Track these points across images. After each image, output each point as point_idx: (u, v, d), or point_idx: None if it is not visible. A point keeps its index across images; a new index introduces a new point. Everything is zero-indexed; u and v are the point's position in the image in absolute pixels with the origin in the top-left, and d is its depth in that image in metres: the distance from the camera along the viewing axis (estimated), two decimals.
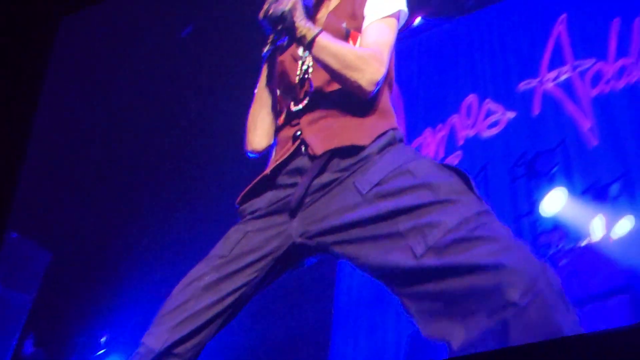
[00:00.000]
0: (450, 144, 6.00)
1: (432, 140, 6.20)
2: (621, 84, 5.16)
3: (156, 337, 1.91)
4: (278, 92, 2.19)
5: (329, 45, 1.97)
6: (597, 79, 5.40)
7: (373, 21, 2.06)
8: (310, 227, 1.92)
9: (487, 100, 5.84)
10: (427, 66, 6.46)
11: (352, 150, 1.93)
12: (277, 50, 2.17)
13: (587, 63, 5.45)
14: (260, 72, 2.21)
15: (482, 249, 1.63)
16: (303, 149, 1.98)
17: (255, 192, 2.06)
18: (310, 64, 2.11)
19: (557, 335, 1.59)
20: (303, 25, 1.98)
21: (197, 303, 1.92)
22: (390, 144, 1.96)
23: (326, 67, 1.98)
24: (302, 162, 1.96)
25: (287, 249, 1.97)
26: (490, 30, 6.32)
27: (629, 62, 5.24)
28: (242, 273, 1.96)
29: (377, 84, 1.96)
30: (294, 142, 2.01)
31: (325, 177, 1.93)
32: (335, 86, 2.05)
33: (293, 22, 1.98)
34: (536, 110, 5.56)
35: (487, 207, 1.77)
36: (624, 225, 4.27)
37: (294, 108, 2.07)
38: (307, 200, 1.94)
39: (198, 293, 1.95)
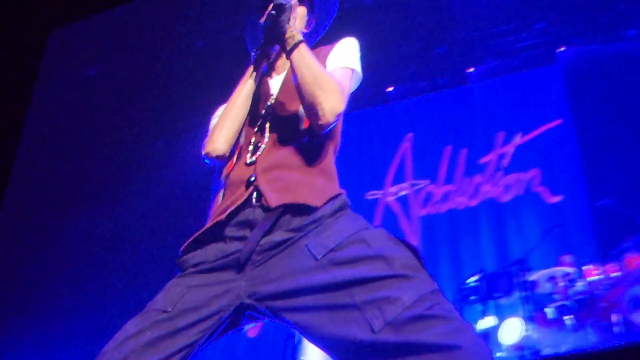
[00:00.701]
0: None
1: None
2: (444, 208, 6.25)
3: None
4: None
5: (308, 55, 2.05)
6: (427, 199, 6.33)
7: (336, 67, 2.16)
8: (260, 289, 1.87)
9: None
10: None
11: (305, 209, 1.93)
12: (264, 57, 2.25)
13: (422, 183, 6.43)
14: (244, 74, 2.25)
15: (438, 328, 1.66)
16: (255, 197, 1.96)
17: (199, 243, 1.99)
18: (273, 116, 2.16)
19: None
20: (294, 28, 2.10)
21: (149, 352, 1.83)
22: (342, 208, 1.97)
23: (299, 78, 2.02)
24: (253, 213, 1.93)
25: (234, 309, 1.90)
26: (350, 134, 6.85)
27: (453, 188, 6.36)
28: (186, 332, 1.88)
29: (336, 117, 2.01)
30: (247, 188, 1.98)
31: (277, 236, 1.90)
32: (293, 136, 2.07)
33: (288, 18, 2.09)
34: (377, 221, 6.39)
35: (437, 285, 1.79)
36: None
37: (251, 148, 2.08)
38: (257, 258, 1.89)
39: (138, 351, 1.84)
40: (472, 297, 5.60)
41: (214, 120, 2.29)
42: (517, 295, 5.25)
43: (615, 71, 5.75)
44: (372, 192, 6.61)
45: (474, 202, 6.25)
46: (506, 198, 6.14)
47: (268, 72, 2.28)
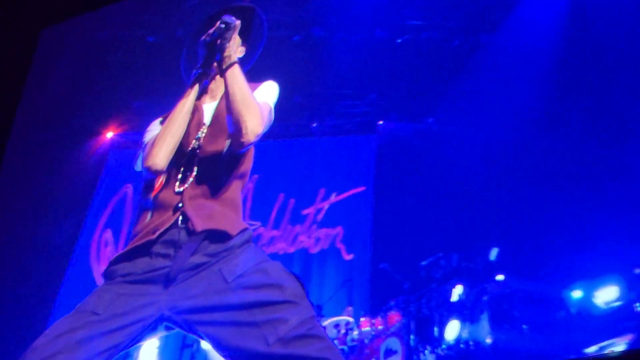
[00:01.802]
0: None
1: None
2: (268, 250, 6.79)
3: None
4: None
5: (241, 76, 2.29)
6: (256, 240, 7.10)
7: (260, 101, 2.37)
8: (179, 303, 2.10)
9: None
10: None
11: (222, 236, 2.17)
12: (203, 76, 2.40)
13: (255, 224, 6.98)
14: (185, 92, 2.40)
15: (315, 345, 2.02)
16: (180, 220, 2.15)
17: (128, 256, 2.17)
18: (202, 148, 2.31)
19: None
20: (232, 48, 2.32)
21: (70, 357, 1.98)
22: (248, 241, 2.25)
23: (230, 96, 2.23)
24: (178, 234, 2.14)
25: (156, 319, 2.12)
26: None
27: (278, 234, 7.00)
28: (113, 335, 2.05)
29: (256, 137, 2.25)
30: (174, 213, 2.18)
31: (197, 259, 2.14)
32: (217, 172, 2.27)
33: (231, 37, 2.30)
34: None
35: (314, 311, 2.14)
36: None
37: (180, 176, 2.26)
38: (179, 276, 2.11)
39: (70, 347, 1.99)
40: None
41: (149, 134, 2.46)
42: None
43: (415, 149, 6.63)
44: None
45: (291, 249, 6.89)
46: (315, 250, 6.80)
47: (204, 95, 2.46)
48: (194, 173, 2.29)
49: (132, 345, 2.15)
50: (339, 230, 6.76)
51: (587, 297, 3.92)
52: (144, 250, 2.18)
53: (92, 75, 7.16)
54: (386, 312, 5.40)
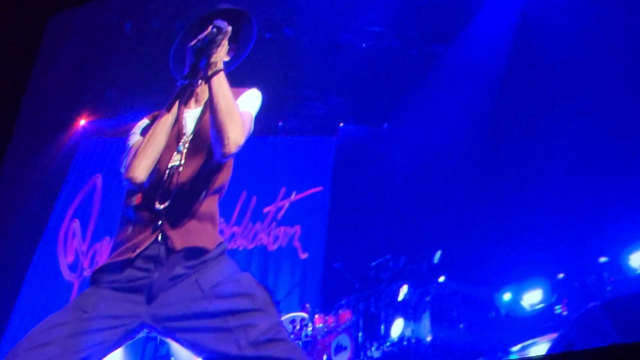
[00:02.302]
0: None
1: (105, 250, 7.47)
2: (229, 246, 6.61)
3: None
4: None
5: (225, 85, 2.34)
6: None
7: (242, 109, 2.40)
8: (159, 311, 2.29)
9: None
10: None
11: (199, 251, 2.34)
12: (188, 87, 2.43)
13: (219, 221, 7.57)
14: (170, 102, 2.42)
15: (282, 347, 2.24)
16: (160, 237, 2.30)
17: (112, 266, 2.35)
18: (182, 162, 2.38)
19: None
20: (220, 54, 2.34)
21: (59, 347, 2.18)
22: (222, 253, 2.41)
23: (214, 104, 2.29)
24: (158, 250, 2.30)
25: (137, 324, 2.31)
26: None
27: (239, 230, 7.18)
28: (99, 334, 2.25)
29: (237, 147, 2.32)
30: (154, 232, 2.31)
31: (176, 271, 2.31)
32: (196, 189, 2.37)
33: (220, 43, 2.34)
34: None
35: (279, 317, 2.35)
36: None
37: (160, 191, 2.34)
38: (158, 287, 2.30)
39: (61, 339, 2.18)
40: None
41: (133, 137, 2.54)
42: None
43: (370, 153, 6.88)
44: None
45: (250, 246, 7.09)
46: (273, 247, 7.01)
47: (188, 100, 2.50)
48: (174, 190, 2.38)
49: (116, 346, 2.32)
50: (296, 228, 6.98)
51: (516, 300, 4.21)
52: (127, 263, 2.34)
53: (67, 63, 7.18)
54: (338, 309, 5.65)
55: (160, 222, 2.34)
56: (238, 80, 2.56)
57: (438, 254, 5.11)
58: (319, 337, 5.73)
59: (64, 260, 8.26)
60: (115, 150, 8.37)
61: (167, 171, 2.40)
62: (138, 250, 2.32)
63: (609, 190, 3.79)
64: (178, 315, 2.31)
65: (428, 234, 5.55)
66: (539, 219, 4.14)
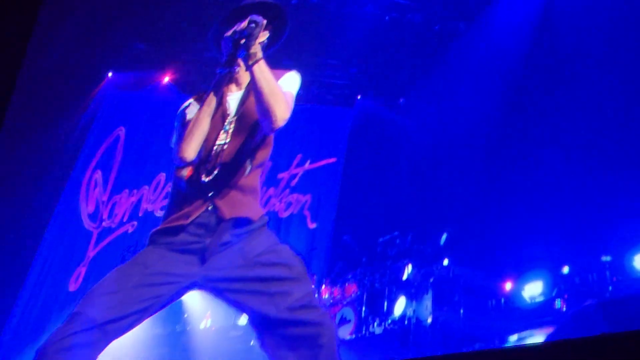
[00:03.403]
0: (134, 212, 7.28)
1: (124, 202, 7.50)
2: None
3: (97, 312, 2.47)
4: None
5: (267, 71, 2.56)
6: None
7: (285, 90, 2.65)
8: (209, 273, 2.57)
9: (170, 183, 7.43)
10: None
11: (245, 222, 2.62)
12: (228, 75, 2.65)
13: None
14: (212, 88, 2.64)
15: (314, 313, 2.52)
16: (210, 207, 2.57)
17: (169, 230, 2.62)
18: (228, 140, 2.65)
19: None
20: (257, 46, 2.55)
21: (125, 296, 2.50)
22: (264, 225, 2.70)
23: (258, 89, 2.51)
24: (208, 218, 2.56)
25: (190, 282, 2.61)
26: None
27: None
28: (159, 287, 2.55)
29: (284, 121, 2.58)
30: (204, 202, 2.59)
31: (225, 238, 2.58)
32: (241, 161, 2.63)
33: (257, 35, 2.53)
34: None
35: (312, 285, 2.76)
36: None
37: (209, 167, 2.60)
38: (210, 252, 2.57)
39: (128, 289, 2.51)
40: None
41: (180, 119, 2.79)
42: None
43: (387, 128, 6.79)
44: None
45: (263, 210, 7.11)
46: (285, 214, 7.04)
47: (229, 84, 2.73)
48: (222, 165, 2.65)
49: (171, 301, 2.63)
50: (308, 197, 6.97)
51: (516, 290, 4.20)
52: (181, 228, 2.63)
53: (97, 14, 7.14)
54: (344, 282, 5.70)
55: (210, 194, 2.62)
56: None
57: (444, 236, 5.09)
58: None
59: (85, 210, 8.37)
60: (140, 103, 8.42)
61: (215, 148, 2.67)
62: (191, 218, 2.61)
63: (621, 189, 3.72)
64: (226, 278, 2.62)
65: (436, 214, 5.52)
66: (548, 211, 4.09)
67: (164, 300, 2.60)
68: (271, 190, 7.24)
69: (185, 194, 2.70)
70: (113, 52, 8.08)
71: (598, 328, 2.97)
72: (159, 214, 7.27)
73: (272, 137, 2.74)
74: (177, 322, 6.44)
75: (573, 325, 3.13)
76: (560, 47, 4.75)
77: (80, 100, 8.47)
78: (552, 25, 4.95)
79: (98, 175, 8.49)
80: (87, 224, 8.21)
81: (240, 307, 2.66)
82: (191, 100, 2.86)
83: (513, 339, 3.80)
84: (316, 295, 6.18)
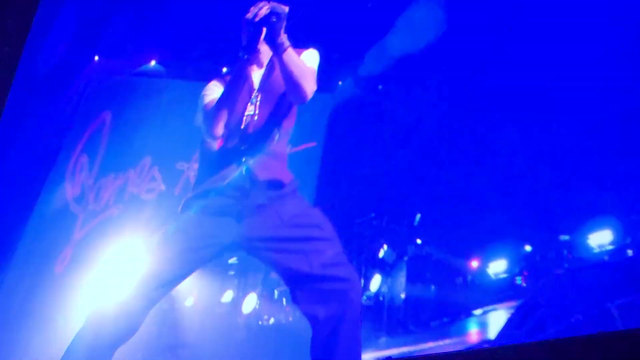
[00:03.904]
0: (119, 195, 7.29)
1: (110, 186, 7.53)
2: None
3: (144, 282, 2.69)
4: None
5: (295, 56, 2.74)
6: None
7: (309, 66, 2.85)
8: (247, 233, 2.75)
9: (155, 167, 7.10)
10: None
11: (278, 184, 2.81)
12: (254, 58, 2.83)
13: None
14: (236, 71, 2.81)
15: (344, 269, 2.71)
16: (244, 170, 2.74)
17: (203, 194, 2.82)
18: (257, 112, 2.84)
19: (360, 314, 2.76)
20: (284, 34, 2.70)
21: (171, 264, 2.71)
22: (296, 189, 2.90)
23: (289, 73, 2.69)
24: (243, 181, 2.73)
25: (230, 242, 2.79)
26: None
27: None
28: (202, 250, 2.75)
29: (312, 93, 2.81)
30: (239, 165, 2.76)
31: (260, 200, 2.76)
32: (270, 130, 2.82)
33: (282, 26, 2.68)
34: (177, 191, 6.87)
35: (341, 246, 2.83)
36: None
37: (240, 134, 2.79)
38: (246, 213, 2.75)
39: (172, 256, 2.70)
40: (231, 272, 6.88)
41: (205, 98, 2.99)
42: (260, 276, 6.58)
43: (365, 116, 6.99)
44: (181, 163, 7.19)
45: None
46: None
47: (252, 66, 2.92)
48: (252, 133, 2.83)
49: (213, 259, 2.85)
50: None
51: (482, 268, 4.48)
52: (217, 191, 2.81)
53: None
54: None
55: (243, 159, 2.81)
56: None
57: (418, 217, 5.35)
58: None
59: (71, 193, 8.42)
60: (126, 87, 8.46)
61: (244, 119, 2.87)
62: (227, 180, 2.79)
63: (579, 173, 3.98)
64: (262, 238, 2.81)
65: (411, 197, 5.77)
66: (513, 194, 4.35)
67: (206, 261, 2.83)
68: None
69: (218, 161, 2.88)
70: (100, 36, 8.13)
71: (568, 293, 3.23)
72: (145, 197, 7.32)
73: (295, 107, 2.97)
74: (164, 301, 6.66)
75: (543, 292, 3.41)
76: (540, 26, 4.90)
77: (66, 84, 8.50)
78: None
79: (84, 159, 8.51)
80: (73, 207, 8.28)
81: (275, 265, 2.86)
82: (214, 81, 3.07)
83: (478, 312, 4.08)
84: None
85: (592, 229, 3.64)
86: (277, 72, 2.89)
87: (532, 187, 4.11)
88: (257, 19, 2.70)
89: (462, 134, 5.26)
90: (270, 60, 2.96)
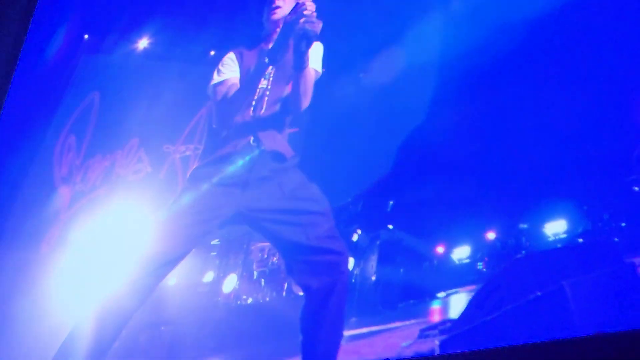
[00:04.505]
0: (106, 176, 7.54)
1: (98, 167, 7.76)
2: None
3: (155, 257, 2.86)
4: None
5: (310, 74, 3.05)
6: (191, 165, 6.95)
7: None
8: (250, 204, 2.98)
9: (142, 149, 7.46)
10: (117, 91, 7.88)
11: (281, 157, 3.08)
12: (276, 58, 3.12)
13: (201, 148, 6.91)
14: (254, 74, 3.09)
15: (337, 243, 2.95)
16: (252, 140, 3.01)
17: (213, 162, 3.04)
18: (269, 87, 3.12)
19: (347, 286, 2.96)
20: (309, 53, 2.99)
21: (181, 237, 2.89)
22: (295, 165, 3.18)
23: (300, 86, 3.00)
24: (250, 150, 2.95)
25: (235, 212, 3.01)
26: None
27: None
28: (209, 222, 2.95)
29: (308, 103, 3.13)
30: (247, 136, 3.00)
31: (263, 173, 3.01)
32: (279, 107, 3.11)
33: (310, 46, 2.98)
34: (162, 174, 7.29)
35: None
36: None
37: (251, 112, 3.04)
38: (252, 184, 2.97)
39: (180, 230, 2.90)
40: (213, 253, 7.12)
41: (222, 76, 3.23)
42: (240, 258, 6.83)
43: (345, 104, 7.16)
44: (167, 146, 7.48)
45: None
46: None
47: (266, 45, 3.19)
48: (264, 105, 3.06)
49: (220, 227, 3.01)
50: None
51: (447, 253, 4.74)
52: (227, 159, 3.00)
53: None
54: None
55: (254, 130, 3.05)
56: None
57: (391, 204, 5.60)
58: (282, 267, 6.31)
59: (59, 173, 8.55)
60: (115, 68, 8.51)
61: (258, 91, 3.09)
62: (239, 147, 3.02)
63: (539, 166, 4.22)
64: (264, 209, 3.02)
65: (384, 183, 6.00)
66: (476, 185, 4.60)
67: (210, 233, 3.03)
68: None
69: (230, 129, 3.07)
70: (89, 14, 8.18)
71: (526, 277, 3.49)
72: (132, 178, 7.53)
73: None
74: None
75: (504, 275, 3.68)
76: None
77: (55, 64, 8.57)
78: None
79: (72, 139, 8.62)
80: (61, 187, 8.42)
81: (274, 236, 3.03)
82: (232, 54, 3.31)
83: (441, 295, 4.35)
84: (256, 255, 6.75)
85: (548, 218, 3.91)
86: (291, 51, 3.06)
87: (496, 180, 4.37)
88: (290, 31, 2.93)
89: (434, 126, 5.48)
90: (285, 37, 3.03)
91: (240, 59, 3.31)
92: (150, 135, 7.55)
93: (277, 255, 6.48)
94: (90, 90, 8.73)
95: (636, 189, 3.59)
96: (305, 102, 3.09)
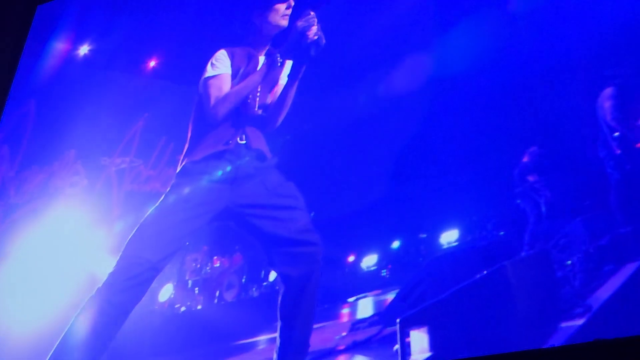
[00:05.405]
0: (43, 188, 7.66)
1: (33, 179, 7.88)
2: (144, 188, 6.96)
3: (151, 252, 3.01)
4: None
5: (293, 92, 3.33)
6: (135, 178, 7.16)
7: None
8: (238, 200, 3.23)
9: (79, 161, 7.62)
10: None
11: (264, 156, 3.38)
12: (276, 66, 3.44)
13: (137, 162, 7.26)
14: (266, 68, 3.42)
15: (313, 236, 3.29)
16: (242, 137, 3.32)
17: (206, 159, 3.28)
18: (259, 90, 3.41)
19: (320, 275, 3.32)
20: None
21: (175, 232, 3.08)
22: (273, 165, 3.45)
23: (285, 99, 3.34)
24: (239, 148, 3.21)
25: (223, 208, 3.26)
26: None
27: (154, 174, 7.00)
28: (200, 218, 3.17)
29: None
30: (237, 132, 3.24)
31: (249, 170, 3.28)
32: (261, 112, 3.41)
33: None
34: (99, 186, 7.36)
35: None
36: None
37: (248, 111, 3.32)
38: (239, 181, 3.24)
39: (174, 225, 3.10)
40: None
41: (216, 70, 3.47)
42: (176, 267, 7.20)
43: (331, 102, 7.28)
44: (105, 158, 7.62)
45: (163, 189, 7.72)
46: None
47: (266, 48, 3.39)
48: (256, 106, 3.34)
49: (207, 226, 3.13)
50: None
51: (357, 262, 5.23)
52: (219, 156, 3.24)
53: None
54: (232, 254, 6.63)
55: (244, 128, 3.32)
56: None
57: (311, 215, 6.04)
58: (214, 276, 6.73)
59: None
60: (52, 76, 8.48)
61: (252, 90, 3.38)
62: (231, 143, 3.31)
63: (436, 181, 4.74)
64: (249, 204, 3.28)
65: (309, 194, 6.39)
66: (380, 198, 5.09)
67: (203, 228, 3.20)
68: (172, 171, 7.78)
69: (221, 126, 3.37)
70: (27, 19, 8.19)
71: (444, 276, 4.00)
72: (69, 191, 7.70)
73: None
74: (89, 288, 7.14)
75: (423, 278, 4.17)
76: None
77: None
78: None
79: (5, 150, 8.55)
80: None
81: (257, 230, 3.32)
82: (224, 52, 3.57)
83: (351, 300, 4.87)
84: (190, 265, 7.01)
85: (443, 228, 4.45)
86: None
87: (402, 193, 4.86)
88: (304, 38, 3.31)
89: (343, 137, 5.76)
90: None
91: (232, 57, 3.59)
92: (87, 147, 7.69)
93: (209, 265, 6.89)
94: (25, 98, 8.65)
95: (518, 201, 4.15)
96: (281, 118, 3.38)
